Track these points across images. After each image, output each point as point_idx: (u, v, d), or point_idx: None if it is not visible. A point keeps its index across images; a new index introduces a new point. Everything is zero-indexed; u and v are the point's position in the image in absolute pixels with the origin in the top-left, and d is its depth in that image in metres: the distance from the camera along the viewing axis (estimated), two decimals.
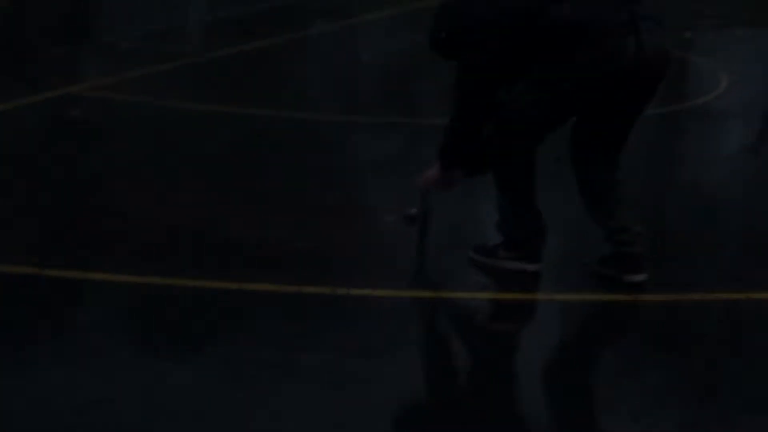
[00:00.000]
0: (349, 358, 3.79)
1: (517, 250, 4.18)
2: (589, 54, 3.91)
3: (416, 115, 5.54)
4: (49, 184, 5.86)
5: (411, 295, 4.45)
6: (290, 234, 4.99)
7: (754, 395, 3.58)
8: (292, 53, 10.33)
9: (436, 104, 5.61)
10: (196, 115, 7.62)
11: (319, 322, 4.11)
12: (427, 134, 5.27)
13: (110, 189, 5.77)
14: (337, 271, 4.64)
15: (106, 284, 4.35)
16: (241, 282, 4.26)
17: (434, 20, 4.23)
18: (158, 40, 9.72)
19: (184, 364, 3.70)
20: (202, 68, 9.21)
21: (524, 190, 4.13)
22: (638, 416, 3.42)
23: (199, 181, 5.95)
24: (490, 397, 3.60)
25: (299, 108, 7.85)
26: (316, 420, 3.33)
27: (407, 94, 6.13)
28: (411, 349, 4.02)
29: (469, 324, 4.33)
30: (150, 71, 8.63)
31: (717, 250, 5.25)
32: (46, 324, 4.03)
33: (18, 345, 3.80)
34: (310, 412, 3.39)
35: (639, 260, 4.14)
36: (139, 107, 7.63)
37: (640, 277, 4.12)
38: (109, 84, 8.05)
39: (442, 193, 4.75)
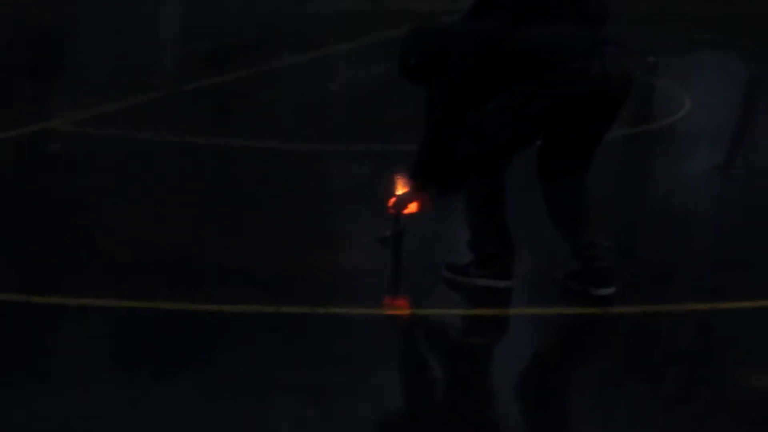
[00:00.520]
0: (329, 375, 3.80)
1: (488, 268, 4.24)
2: (554, 77, 3.99)
3: (385, 143, 5.54)
4: (30, 214, 5.88)
5: (386, 312, 4.48)
6: (265, 257, 5.03)
7: (726, 403, 3.64)
8: (264, 85, 10.38)
9: (404, 132, 5.62)
10: (171, 146, 7.66)
11: (299, 340, 4.12)
12: (396, 160, 5.33)
13: (90, 218, 5.75)
14: (313, 291, 4.63)
15: (89, 308, 4.34)
16: (219, 303, 4.29)
17: (402, 47, 4.32)
18: (132, 74, 9.71)
19: (166, 385, 3.71)
20: (176, 101, 9.22)
21: (494, 209, 4.18)
22: (612, 428, 3.47)
23: (176, 208, 5.97)
24: (466, 411, 3.62)
25: (271, 137, 7.91)
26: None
27: (376, 123, 6.14)
28: (389, 365, 4.04)
29: (443, 339, 4.35)
30: (124, 105, 8.63)
31: (685, 264, 5.36)
32: (34, 349, 4.04)
33: (5, 369, 3.78)
34: (293, 428, 3.41)
35: (606, 274, 4.21)
36: (115, 140, 7.63)
37: (607, 291, 4.21)
38: (85, 118, 8.06)
39: (414, 215, 4.75)
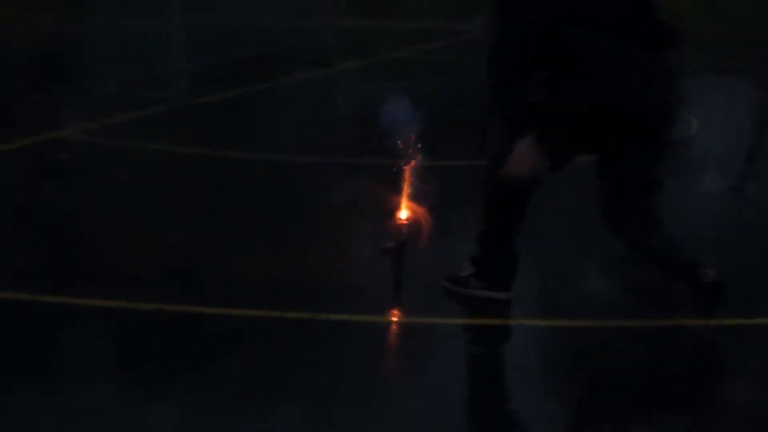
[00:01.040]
0: (329, 379, 3.85)
1: (489, 281, 4.29)
2: (595, 89, 4.02)
3: (389, 157, 5.63)
4: (38, 219, 5.94)
5: (387, 320, 4.55)
6: (269, 266, 5.08)
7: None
8: (270, 100, 10.38)
9: (409, 147, 5.67)
10: (177, 158, 7.68)
11: (300, 345, 4.18)
12: (399, 175, 5.22)
13: (98, 224, 5.81)
14: (317, 298, 4.69)
15: (94, 309, 4.43)
16: (222, 308, 4.38)
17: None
18: (140, 87, 9.66)
19: (171, 385, 3.78)
20: (183, 114, 9.23)
21: (510, 225, 4.24)
22: None
23: (181, 217, 6.05)
24: (463, 418, 3.71)
25: (276, 151, 7.94)
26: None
27: (380, 137, 6.16)
28: (388, 371, 4.13)
29: (443, 347, 4.36)
30: (132, 117, 8.66)
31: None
32: (38, 347, 4.09)
33: (10, 367, 3.84)
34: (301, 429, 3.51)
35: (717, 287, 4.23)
36: (122, 150, 7.67)
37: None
38: (93, 129, 8.08)
39: (415, 227, 4.80)
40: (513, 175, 4.14)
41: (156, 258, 5.13)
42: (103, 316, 4.45)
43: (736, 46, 15.29)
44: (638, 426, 3.73)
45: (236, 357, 4.05)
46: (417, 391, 3.92)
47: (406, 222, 4.77)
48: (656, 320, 4.69)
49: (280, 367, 3.96)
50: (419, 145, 5.07)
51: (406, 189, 4.97)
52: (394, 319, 4.57)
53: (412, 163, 4.96)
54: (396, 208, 4.89)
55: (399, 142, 5.12)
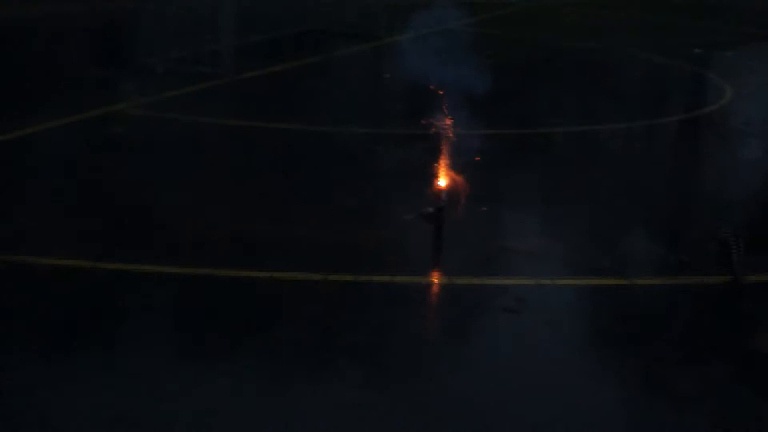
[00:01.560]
0: (369, 337, 4.03)
1: None
2: None
3: (432, 128, 5.66)
4: (98, 190, 6.14)
5: (429, 282, 4.68)
6: (316, 231, 5.25)
7: None
8: (318, 73, 10.61)
9: (452, 117, 5.69)
10: (229, 130, 7.97)
11: (342, 306, 4.34)
12: (444, 143, 5.44)
13: (153, 193, 5.99)
14: (359, 261, 4.83)
15: (153, 275, 4.60)
16: (272, 271, 4.54)
17: None
18: (193, 63, 9.97)
19: (229, 344, 3.95)
20: (234, 88, 9.50)
21: None
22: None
23: (234, 186, 6.27)
24: (493, 372, 3.79)
25: (324, 122, 8.17)
26: (360, 388, 3.59)
27: (425, 109, 6.31)
28: (428, 329, 4.28)
29: (480, 306, 4.49)
30: (185, 91, 8.96)
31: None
32: (100, 310, 4.30)
33: (75, 329, 4.06)
34: (351, 384, 3.64)
35: None
36: (177, 123, 7.94)
37: None
38: (148, 103, 8.37)
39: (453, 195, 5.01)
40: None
41: (209, 225, 5.29)
42: (159, 279, 4.59)
43: None
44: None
45: (282, 317, 4.20)
46: (458, 350, 4.05)
47: (445, 189, 4.97)
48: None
49: (328, 327, 4.12)
50: (458, 116, 5.24)
51: (446, 158, 5.14)
52: (434, 280, 4.69)
53: (452, 132, 5.17)
54: (437, 176, 5.08)
55: (442, 112, 5.31)
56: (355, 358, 3.89)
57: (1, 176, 6.48)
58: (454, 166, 5.23)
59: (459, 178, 5.09)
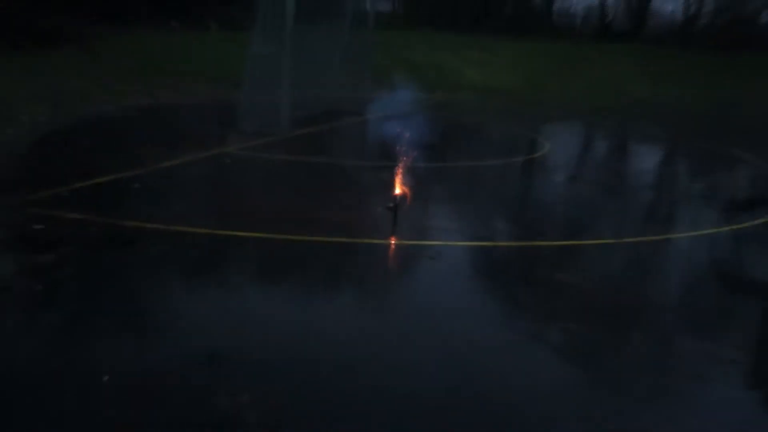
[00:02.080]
0: (360, 268, 5.66)
1: None
2: None
3: (396, 160, 6.81)
4: (211, 195, 7.87)
5: (389, 242, 6.27)
6: (332, 215, 6.88)
7: None
8: (334, 132, 13.04)
9: (406, 155, 7.06)
10: (288, 162, 9.88)
11: (342, 256, 5.86)
12: (398, 171, 6.81)
13: (252, 194, 7.79)
14: (355, 231, 6.49)
15: (247, 239, 6.08)
16: (306, 236, 6.08)
17: None
18: (268, 125, 12.22)
19: (280, 280, 5.35)
20: (291, 140, 11.72)
21: None
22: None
23: (293, 192, 7.93)
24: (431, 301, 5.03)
25: (339, 156, 10.34)
26: (349, 294, 5.12)
27: (391, 151, 7.42)
28: (390, 264, 5.88)
29: (416, 257, 6.09)
30: (265, 141, 11.08)
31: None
32: (211, 262, 5.63)
33: (192, 276, 5.26)
34: (344, 291, 5.13)
35: None
36: (258, 158, 9.95)
37: None
38: (242, 147, 10.42)
39: (405, 196, 6.52)
40: None
41: (281, 211, 6.95)
42: (249, 242, 6.01)
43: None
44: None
45: (312, 260, 5.69)
46: (401, 275, 5.68)
47: (399, 194, 6.66)
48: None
49: (335, 265, 5.64)
50: (411, 153, 7.01)
51: (401, 178, 6.82)
52: (392, 241, 6.28)
53: (404, 164, 6.96)
54: (395, 187, 6.73)
55: (400, 151, 6.94)
56: (348, 278, 5.44)
57: (164, 184, 7.87)
58: (405, 182, 6.83)
59: (407, 188, 6.73)
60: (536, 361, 4.26)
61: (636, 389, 4.11)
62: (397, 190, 6.58)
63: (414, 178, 7.09)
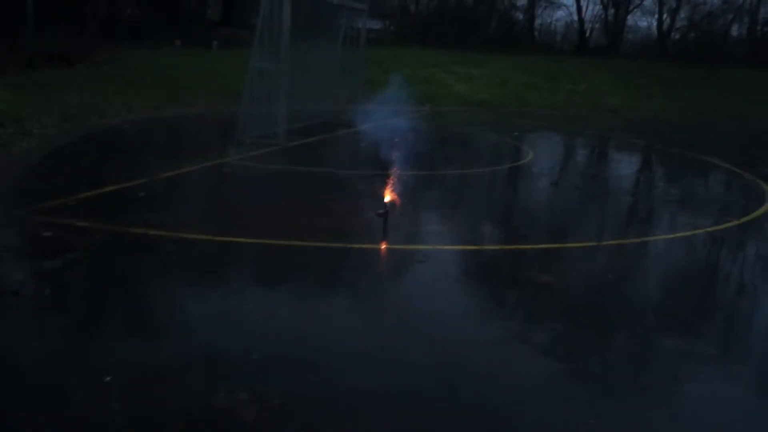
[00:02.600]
0: (354, 271, 5.65)
1: None
2: None
3: (387, 169, 7.29)
4: (212, 203, 7.95)
5: (379, 247, 6.30)
6: (325, 221, 6.91)
7: None
8: (330, 143, 13.11)
9: (396, 164, 7.43)
10: (287, 171, 9.97)
11: (339, 262, 5.86)
12: (388, 179, 7.15)
13: (250, 204, 7.77)
14: (348, 236, 6.54)
15: (245, 245, 6.11)
16: (305, 241, 6.12)
17: None
18: (264, 138, 12.17)
19: (282, 279, 5.38)
20: (287, 150, 11.74)
21: None
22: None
23: (292, 199, 8.00)
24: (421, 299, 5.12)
25: (334, 166, 10.39)
26: (342, 295, 5.12)
27: (382, 160, 7.91)
28: (381, 271, 5.86)
29: (406, 261, 6.08)
30: (260, 152, 11.13)
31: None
32: (213, 266, 5.59)
33: (197, 279, 5.28)
34: (338, 292, 5.14)
35: None
36: (257, 167, 10.00)
37: None
38: (241, 158, 10.54)
39: (394, 204, 6.63)
40: None
41: (279, 219, 6.96)
42: (248, 247, 6.04)
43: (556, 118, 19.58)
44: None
45: (310, 262, 5.72)
46: (393, 277, 5.70)
47: (389, 202, 6.74)
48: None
49: (329, 267, 5.65)
50: (401, 162, 7.34)
51: (391, 186, 7.05)
52: (383, 246, 6.31)
53: (395, 173, 7.33)
54: (384, 195, 6.81)
55: (391, 161, 7.28)
56: (343, 280, 5.42)
57: (167, 193, 7.96)
58: (395, 189, 7.05)
59: (397, 196, 6.94)
60: (520, 360, 4.25)
61: (617, 388, 4.08)
62: (388, 198, 6.67)
63: (404, 186, 7.47)
